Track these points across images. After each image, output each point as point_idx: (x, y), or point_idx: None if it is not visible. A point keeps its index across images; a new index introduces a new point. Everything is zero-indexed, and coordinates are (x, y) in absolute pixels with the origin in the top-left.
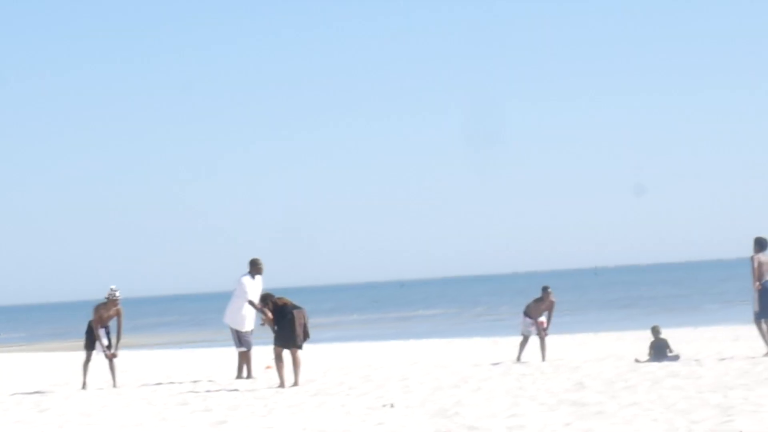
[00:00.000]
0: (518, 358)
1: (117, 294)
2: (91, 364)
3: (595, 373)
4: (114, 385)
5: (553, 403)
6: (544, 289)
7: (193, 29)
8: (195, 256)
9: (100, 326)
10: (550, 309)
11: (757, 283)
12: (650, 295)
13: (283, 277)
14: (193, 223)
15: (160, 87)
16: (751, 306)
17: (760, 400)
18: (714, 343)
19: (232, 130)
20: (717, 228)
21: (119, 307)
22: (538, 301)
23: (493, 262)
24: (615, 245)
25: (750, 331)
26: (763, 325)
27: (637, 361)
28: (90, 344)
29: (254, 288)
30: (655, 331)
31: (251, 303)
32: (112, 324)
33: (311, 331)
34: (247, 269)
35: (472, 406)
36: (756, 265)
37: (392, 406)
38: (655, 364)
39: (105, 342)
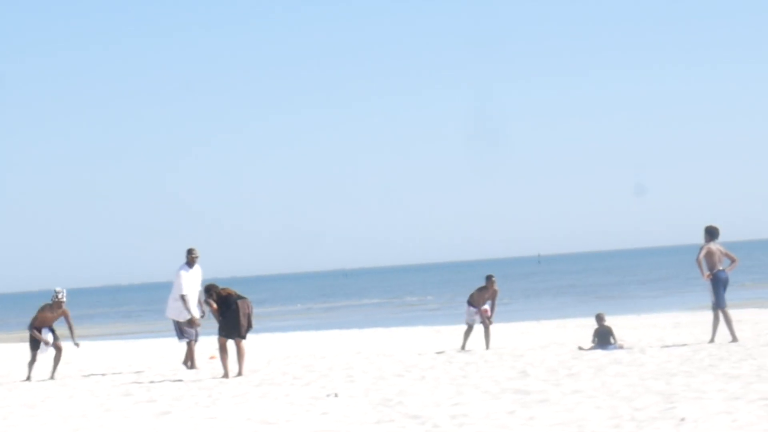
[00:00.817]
0: (463, 347)
1: (60, 296)
2: (36, 364)
3: (538, 361)
4: (52, 377)
5: (497, 392)
6: (488, 278)
7: (184, 8)
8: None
9: (44, 326)
10: (493, 298)
11: (708, 273)
12: (592, 283)
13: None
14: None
15: (146, 69)
16: (693, 294)
17: (702, 386)
18: (656, 330)
19: (194, 118)
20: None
21: (65, 308)
22: (481, 289)
23: (437, 252)
24: (558, 233)
25: (691, 318)
26: (720, 315)
27: (580, 348)
28: (35, 344)
29: (190, 280)
30: (600, 318)
31: (182, 298)
32: (60, 322)
33: (254, 321)
34: (185, 259)
35: (416, 395)
36: (704, 254)
37: (336, 395)
38: (599, 352)
39: (50, 339)
